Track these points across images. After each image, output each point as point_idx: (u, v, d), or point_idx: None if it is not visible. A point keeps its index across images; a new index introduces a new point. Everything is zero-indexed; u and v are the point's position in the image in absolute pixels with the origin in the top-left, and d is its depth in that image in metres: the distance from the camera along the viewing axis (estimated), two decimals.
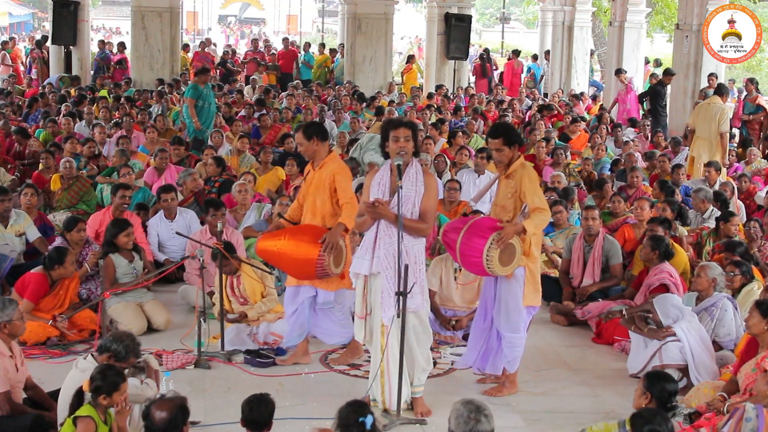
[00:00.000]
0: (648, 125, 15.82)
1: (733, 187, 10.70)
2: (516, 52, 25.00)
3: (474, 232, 6.05)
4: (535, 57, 25.40)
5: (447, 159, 12.00)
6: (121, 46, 23.41)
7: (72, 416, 4.83)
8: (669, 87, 16.90)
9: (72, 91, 17.97)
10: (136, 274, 7.81)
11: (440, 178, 10.92)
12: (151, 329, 7.63)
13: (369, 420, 4.35)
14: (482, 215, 8.96)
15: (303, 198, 6.80)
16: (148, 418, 4.47)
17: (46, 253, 7.87)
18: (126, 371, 5.16)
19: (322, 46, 24.96)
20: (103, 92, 18.10)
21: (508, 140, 6.21)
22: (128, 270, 7.80)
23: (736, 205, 10.50)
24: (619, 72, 18.63)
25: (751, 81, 16.14)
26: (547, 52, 24.60)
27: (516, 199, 6.18)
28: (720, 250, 8.45)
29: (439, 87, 19.95)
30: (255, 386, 6.42)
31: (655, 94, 16.84)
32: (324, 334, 7.01)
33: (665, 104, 16.80)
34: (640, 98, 17.52)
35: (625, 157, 12.50)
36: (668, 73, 16.64)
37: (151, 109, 15.86)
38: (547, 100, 20.15)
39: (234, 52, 27.22)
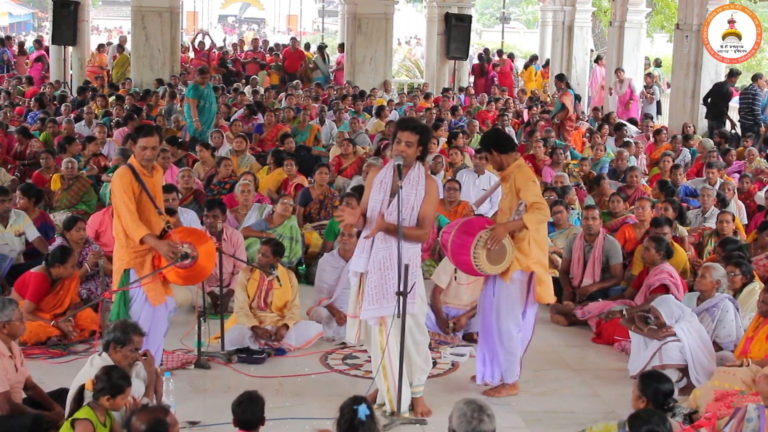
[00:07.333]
0: (651, 125, 15.78)
1: (733, 188, 10.69)
2: (500, 52, 25.00)
3: (464, 231, 6.11)
4: (534, 57, 25.37)
5: (444, 160, 11.97)
6: (37, 43, 23.10)
7: (70, 419, 4.79)
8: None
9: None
10: None
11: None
12: None
13: (362, 409, 4.31)
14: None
15: None
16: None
17: (46, 253, 7.86)
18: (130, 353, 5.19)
19: (307, 46, 24.80)
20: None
21: (489, 148, 6.29)
22: None
23: (737, 205, 10.48)
24: (617, 70, 18.63)
25: (560, 78, 15.82)
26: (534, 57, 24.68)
27: (512, 198, 6.20)
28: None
29: (446, 90, 19.90)
30: (255, 386, 6.37)
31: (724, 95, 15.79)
32: None
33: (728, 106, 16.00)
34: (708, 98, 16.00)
35: (616, 155, 12.54)
36: (733, 74, 15.77)
37: (164, 108, 15.95)
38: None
39: (236, 47, 27.13)
